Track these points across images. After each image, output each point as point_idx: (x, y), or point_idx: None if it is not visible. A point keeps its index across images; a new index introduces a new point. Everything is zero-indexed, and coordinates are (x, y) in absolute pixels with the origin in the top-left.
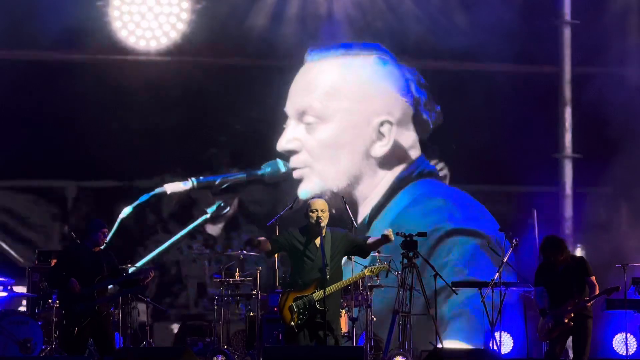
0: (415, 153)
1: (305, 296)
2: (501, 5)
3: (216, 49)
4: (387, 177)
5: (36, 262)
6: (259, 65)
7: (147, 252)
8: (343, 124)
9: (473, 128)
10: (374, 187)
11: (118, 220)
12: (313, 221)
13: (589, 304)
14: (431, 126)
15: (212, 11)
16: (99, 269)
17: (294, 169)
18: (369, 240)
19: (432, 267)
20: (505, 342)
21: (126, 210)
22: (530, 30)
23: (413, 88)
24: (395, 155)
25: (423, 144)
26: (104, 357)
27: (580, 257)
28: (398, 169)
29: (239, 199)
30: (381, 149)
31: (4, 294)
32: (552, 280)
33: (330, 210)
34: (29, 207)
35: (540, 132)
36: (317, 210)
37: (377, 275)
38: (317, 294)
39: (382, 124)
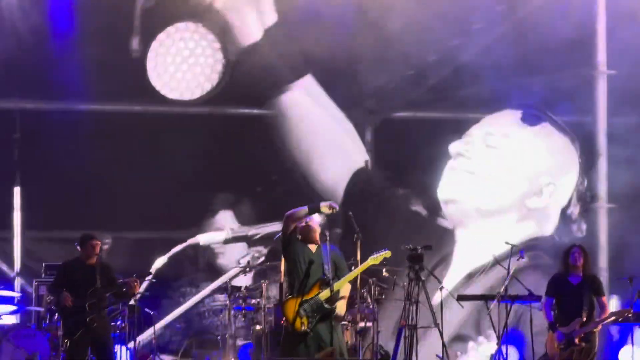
0: None
1: (311, 299)
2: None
3: (251, 99)
4: None
5: (43, 276)
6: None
7: (181, 302)
8: None
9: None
10: None
11: (152, 270)
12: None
13: (599, 327)
14: None
15: (246, 64)
16: (92, 282)
17: None
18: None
19: (438, 280)
20: (512, 356)
21: (160, 261)
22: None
23: None
24: None
25: None
26: None
27: (595, 275)
28: None
29: (272, 248)
30: None
31: (14, 307)
32: (565, 292)
33: None
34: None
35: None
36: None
37: (382, 291)
38: (323, 294)
39: None
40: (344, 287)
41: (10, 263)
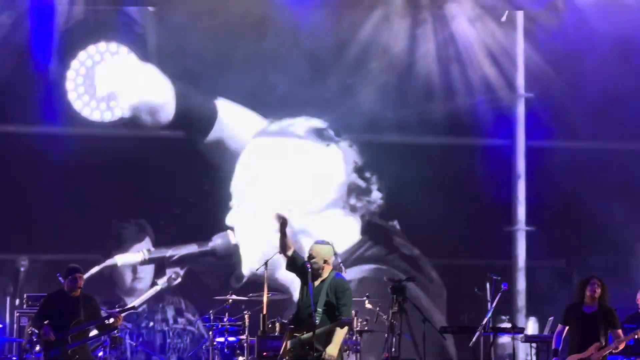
0: None
1: (296, 336)
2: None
3: (169, 122)
4: None
5: (24, 307)
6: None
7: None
8: None
9: (429, 200)
10: None
11: (137, 303)
12: (307, 266)
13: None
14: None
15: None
16: (75, 314)
17: None
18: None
19: (421, 312)
20: None
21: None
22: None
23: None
24: None
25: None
26: None
27: (611, 308)
28: None
29: (189, 269)
30: None
31: None
32: (578, 321)
33: None
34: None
35: (494, 205)
36: (309, 257)
37: (366, 323)
38: (305, 336)
39: None
40: (338, 332)
41: None
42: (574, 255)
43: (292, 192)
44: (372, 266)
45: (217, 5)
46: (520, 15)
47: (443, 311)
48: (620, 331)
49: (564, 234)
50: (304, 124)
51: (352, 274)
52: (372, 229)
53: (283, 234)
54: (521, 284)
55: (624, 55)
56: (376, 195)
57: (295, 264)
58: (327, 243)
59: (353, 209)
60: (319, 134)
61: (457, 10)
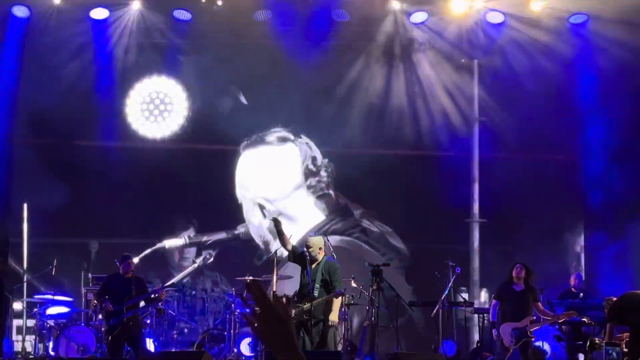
0: None
1: (299, 306)
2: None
3: (207, 138)
4: None
5: (90, 285)
6: (228, 151)
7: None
8: None
9: (406, 198)
10: None
11: (175, 281)
12: (306, 254)
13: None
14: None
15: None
16: (128, 290)
17: None
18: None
19: (394, 290)
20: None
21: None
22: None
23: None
24: None
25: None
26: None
27: (534, 287)
28: None
29: (220, 250)
30: None
31: (68, 309)
32: (511, 297)
33: None
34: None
35: (456, 202)
36: (307, 247)
37: (351, 298)
38: (306, 307)
39: None
40: (336, 302)
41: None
42: (516, 241)
43: (270, 184)
44: (337, 237)
45: (237, 52)
46: (474, 62)
47: (410, 283)
48: (539, 304)
49: (509, 224)
50: (275, 134)
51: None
52: (339, 210)
53: (280, 233)
54: (476, 263)
55: (548, 90)
56: (323, 174)
57: (295, 255)
58: (318, 235)
59: (309, 187)
60: (283, 139)
61: (422, 57)
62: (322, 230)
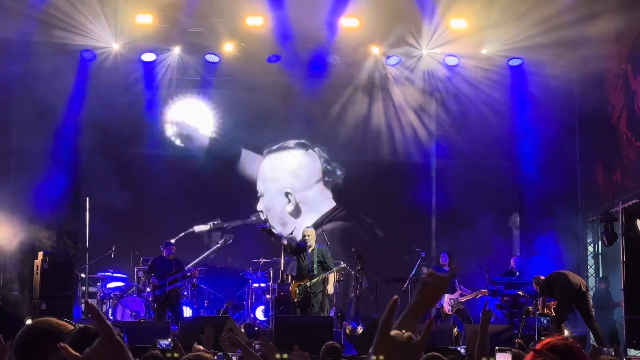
0: None
1: (302, 284)
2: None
3: (231, 148)
4: None
5: (140, 264)
6: (250, 156)
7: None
8: None
9: (382, 196)
10: None
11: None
12: (306, 239)
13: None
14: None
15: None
16: (169, 269)
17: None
18: (328, 267)
19: (378, 273)
20: None
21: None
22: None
23: None
24: None
25: None
26: (178, 323)
27: (454, 268)
28: None
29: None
30: None
31: (123, 283)
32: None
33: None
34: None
35: (418, 198)
36: (305, 236)
37: (340, 273)
38: (307, 283)
39: None
40: (330, 277)
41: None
42: (466, 230)
43: (296, 177)
44: (340, 223)
45: (256, 85)
46: (435, 92)
47: (386, 263)
48: (456, 282)
49: (460, 217)
50: (293, 142)
51: (329, 226)
52: (343, 199)
53: (274, 237)
54: (433, 250)
55: (492, 112)
56: (338, 173)
57: (292, 248)
58: (312, 227)
59: (326, 184)
60: (302, 145)
61: (396, 88)
62: (328, 218)
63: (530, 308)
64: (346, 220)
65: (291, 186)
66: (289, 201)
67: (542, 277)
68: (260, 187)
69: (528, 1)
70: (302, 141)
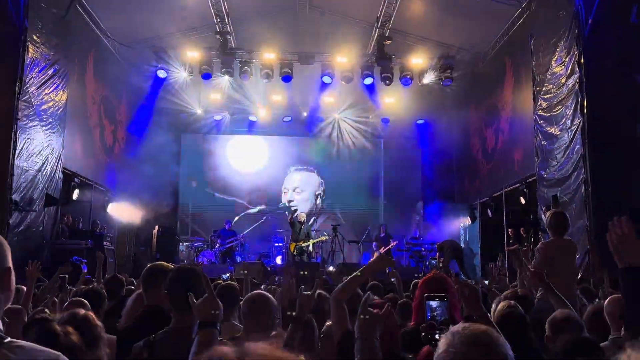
0: None
1: (298, 245)
2: None
3: (267, 170)
4: None
5: (213, 233)
6: (279, 174)
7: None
8: None
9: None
10: None
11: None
12: (299, 220)
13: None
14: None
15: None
16: (228, 236)
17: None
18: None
19: (355, 241)
20: None
21: (235, 219)
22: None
23: None
24: None
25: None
26: (233, 265)
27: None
28: None
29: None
30: None
31: (202, 243)
32: (381, 239)
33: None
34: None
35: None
36: (302, 218)
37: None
38: (303, 244)
39: None
40: (322, 238)
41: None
42: (399, 211)
43: (314, 184)
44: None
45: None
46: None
47: (353, 231)
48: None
49: (396, 204)
50: (306, 165)
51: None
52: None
53: (291, 224)
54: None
55: (411, 151)
56: (325, 186)
57: (293, 226)
58: (304, 214)
59: (318, 195)
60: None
61: (350, 137)
62: (313, 206)
63: (433, 259)
64: (330, 206)
65: (315, 191)
66: (317, 198)
67: (439, 243)
68: (287, 190)
69: None
70: (309, 167)
